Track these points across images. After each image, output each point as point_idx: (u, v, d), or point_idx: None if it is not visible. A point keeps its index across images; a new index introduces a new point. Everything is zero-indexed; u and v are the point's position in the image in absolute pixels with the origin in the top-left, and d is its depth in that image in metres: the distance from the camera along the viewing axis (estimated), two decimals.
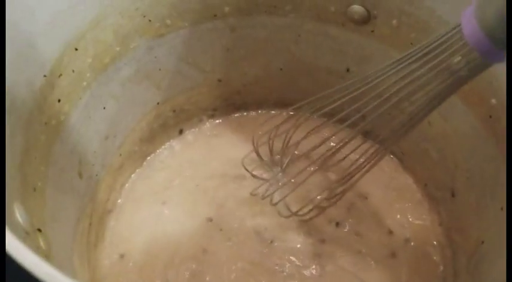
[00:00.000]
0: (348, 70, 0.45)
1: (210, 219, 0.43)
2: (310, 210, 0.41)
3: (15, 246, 0.18)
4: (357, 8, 0.40)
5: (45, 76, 0.32)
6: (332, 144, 0.41)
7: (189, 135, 0.49)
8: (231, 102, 0.50)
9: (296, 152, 0.44)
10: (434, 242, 0.43)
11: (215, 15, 0.43)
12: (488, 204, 0.36)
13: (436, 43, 0.29)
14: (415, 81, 0.30)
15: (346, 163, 0.41)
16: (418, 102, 0.31)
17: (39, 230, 0.27)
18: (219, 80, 0.48)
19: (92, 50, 0.37)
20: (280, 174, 0.45)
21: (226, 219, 0.43)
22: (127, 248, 0.42)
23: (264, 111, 0.51)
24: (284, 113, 0.44)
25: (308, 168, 0.41)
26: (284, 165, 0.44)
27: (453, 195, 0.41)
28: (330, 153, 0.40)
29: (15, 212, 0.24)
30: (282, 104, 0.51)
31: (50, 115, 0.33)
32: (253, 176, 0.44)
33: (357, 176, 0.39)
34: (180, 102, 0.47)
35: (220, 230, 0.42)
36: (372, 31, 0.41)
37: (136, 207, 0.44)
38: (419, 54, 0.30)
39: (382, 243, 0.42)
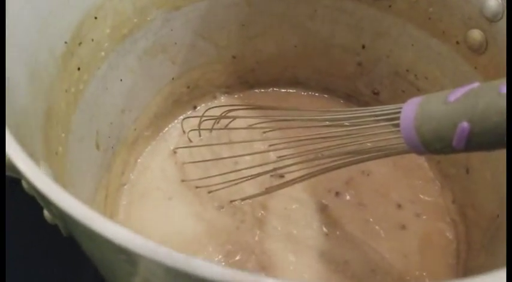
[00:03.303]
0: (363, 47, 0.45)
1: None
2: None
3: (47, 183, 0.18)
4: None
5: (66, 43, 0.33)
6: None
7: (202, 109, 0.49)
8: (245, 80, 0.50)
9: None
10: (447, 219, 0.42)
11: None
12: (504, 177, 0.36)
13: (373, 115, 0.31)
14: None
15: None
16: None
17: None
18: (234, 57, 0.48)
19: (110, 20, 0.37)
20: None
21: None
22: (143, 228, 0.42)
23: (277, 90, 0.51)
24: None
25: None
26: None
27: (467, 171, 0.41)
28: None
29: (42, 169, 0.24)
30: (295, 83, 0.51)
31: (70, 83, 0.33)
32: None
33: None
34: (195, 78, 0.47)
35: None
36: (390, 6, 0.41)
37: (148, 183, 0.45)
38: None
39: (389, 215, 0.42)
